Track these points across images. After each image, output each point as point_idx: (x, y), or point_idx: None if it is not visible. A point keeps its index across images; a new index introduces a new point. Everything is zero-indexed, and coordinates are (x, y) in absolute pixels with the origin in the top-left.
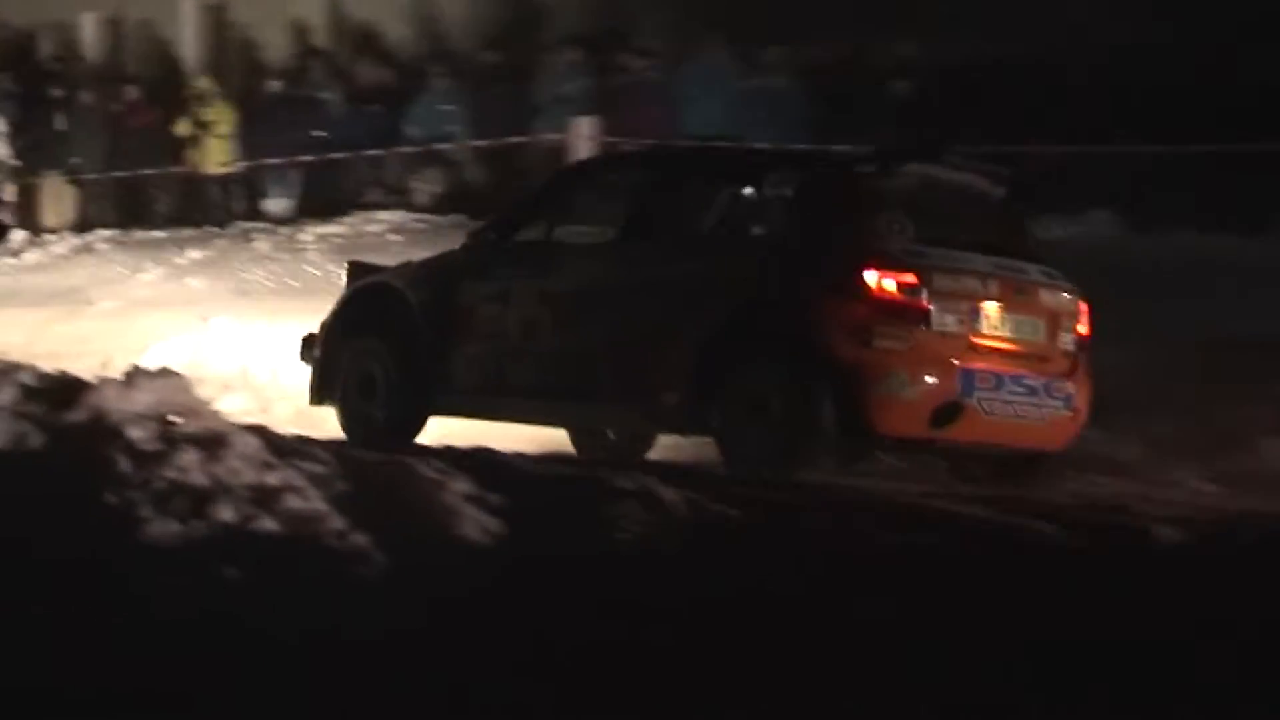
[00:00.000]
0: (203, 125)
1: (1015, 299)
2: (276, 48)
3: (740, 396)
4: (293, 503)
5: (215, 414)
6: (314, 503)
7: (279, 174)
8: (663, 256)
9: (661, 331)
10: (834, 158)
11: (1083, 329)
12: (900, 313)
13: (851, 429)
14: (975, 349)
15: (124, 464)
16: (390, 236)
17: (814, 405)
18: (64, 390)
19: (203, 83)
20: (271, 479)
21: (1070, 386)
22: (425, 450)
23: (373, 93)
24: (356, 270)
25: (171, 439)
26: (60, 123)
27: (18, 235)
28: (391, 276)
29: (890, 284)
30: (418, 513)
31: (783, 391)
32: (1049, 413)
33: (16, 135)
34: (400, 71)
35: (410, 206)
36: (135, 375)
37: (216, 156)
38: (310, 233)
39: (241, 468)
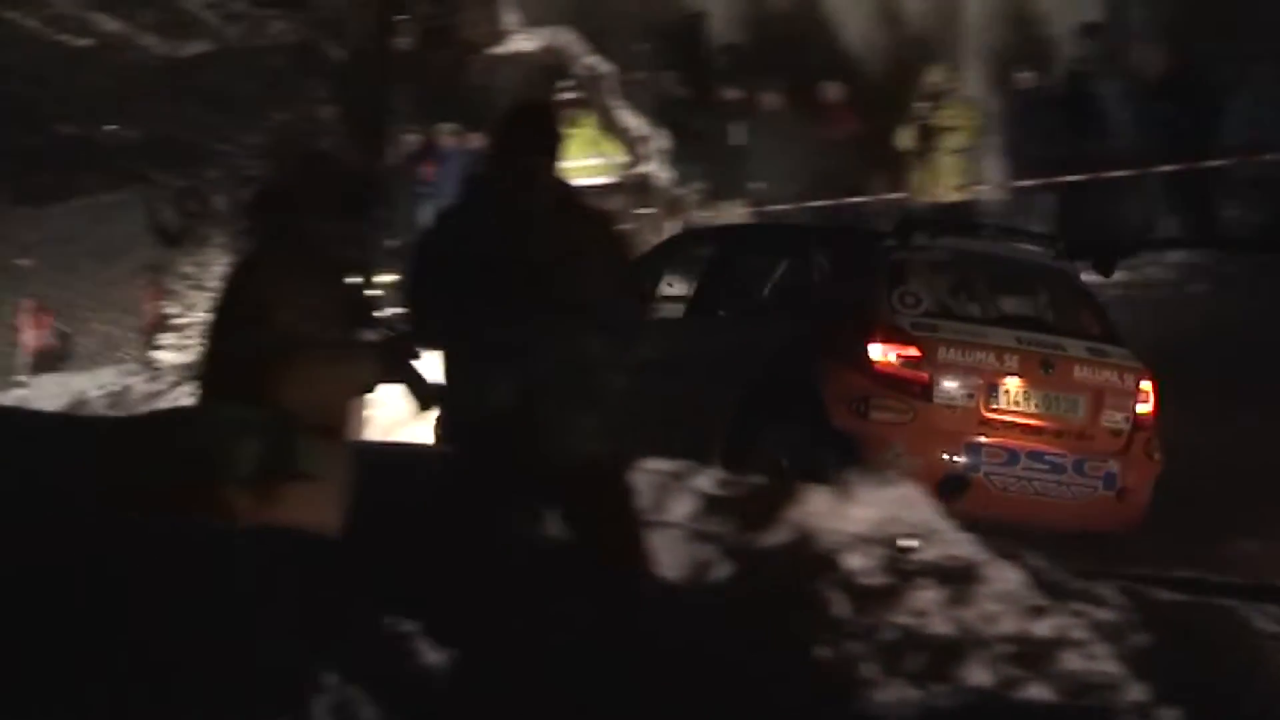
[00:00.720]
0: (934, 134)
1: (1043, 374)
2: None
3: (764, 460)
4: (1072, 661)
5: (961, 536)
6: (1101, 662)
7: (1025, 200)
8: (718, 329)
9: (712, 398)
10: (866, 232)
11: (1143, 407)
12: (900, 385)
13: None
14: (988, 423)
15: (840, 604)
16: (1191, 287)
17: (822, 473)
18: (758, 501)
19: (938, 75)
20: (1041, 627)
21: (1114, 465)
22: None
23: (1169, 85)
24: None
25: (903, 571)
26: (738, 135)
27: None
28: None
29: (892, 356)
30: (1253, 683)
31: (797, 458)
32: (1081, 492)
33: (683, 152)
34: (1198, 56)
35: (1218, 242)
36: (851, 482)
37: (950, 177)
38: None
39: (1000, 611)
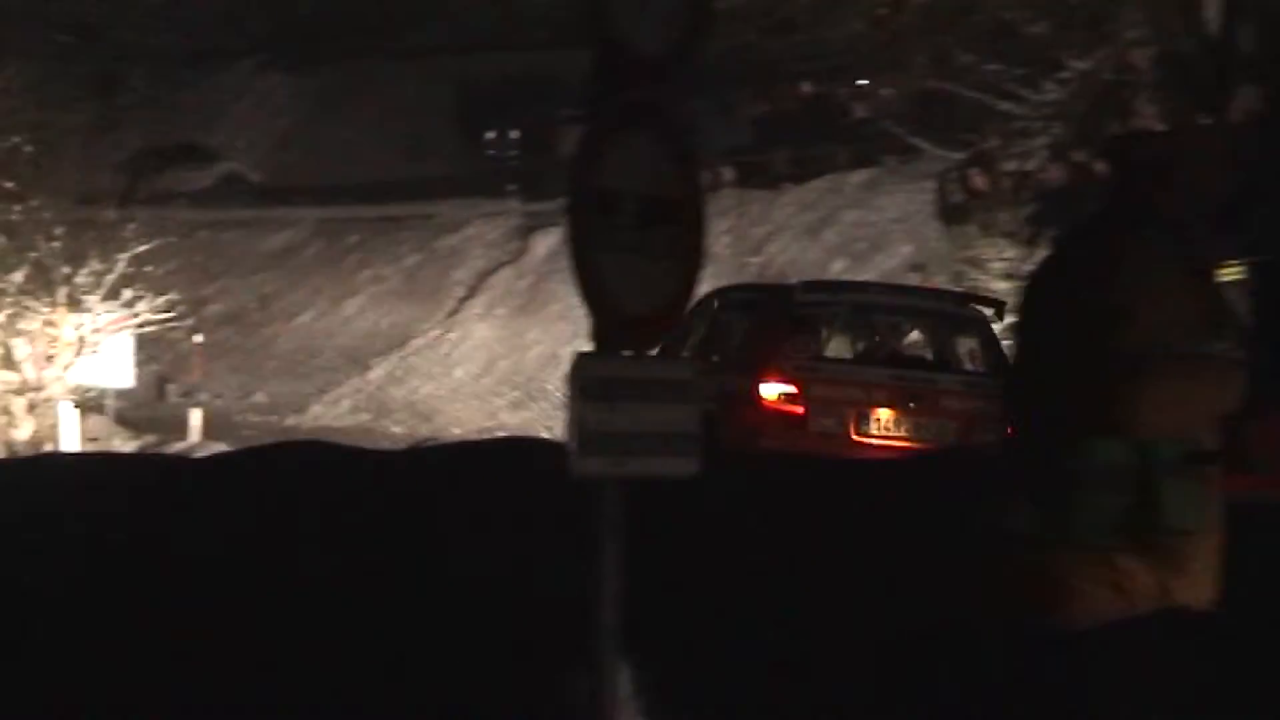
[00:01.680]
0: None
1: (910, 405)
2: None
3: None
4: None
5: None
6: None
7: None
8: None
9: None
10: (783, 289)
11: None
12: (781, 417)
13: None
14: (858, 446)
15: None
16: None
17: None
18: None
19: None
20: None
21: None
22: None
23: None
24: None
25: None
26: None
27: None
28: None
29: (774, 393)
30: None
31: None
32: None
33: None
34: None
35: None
36: None
37: None
38: None
39: None
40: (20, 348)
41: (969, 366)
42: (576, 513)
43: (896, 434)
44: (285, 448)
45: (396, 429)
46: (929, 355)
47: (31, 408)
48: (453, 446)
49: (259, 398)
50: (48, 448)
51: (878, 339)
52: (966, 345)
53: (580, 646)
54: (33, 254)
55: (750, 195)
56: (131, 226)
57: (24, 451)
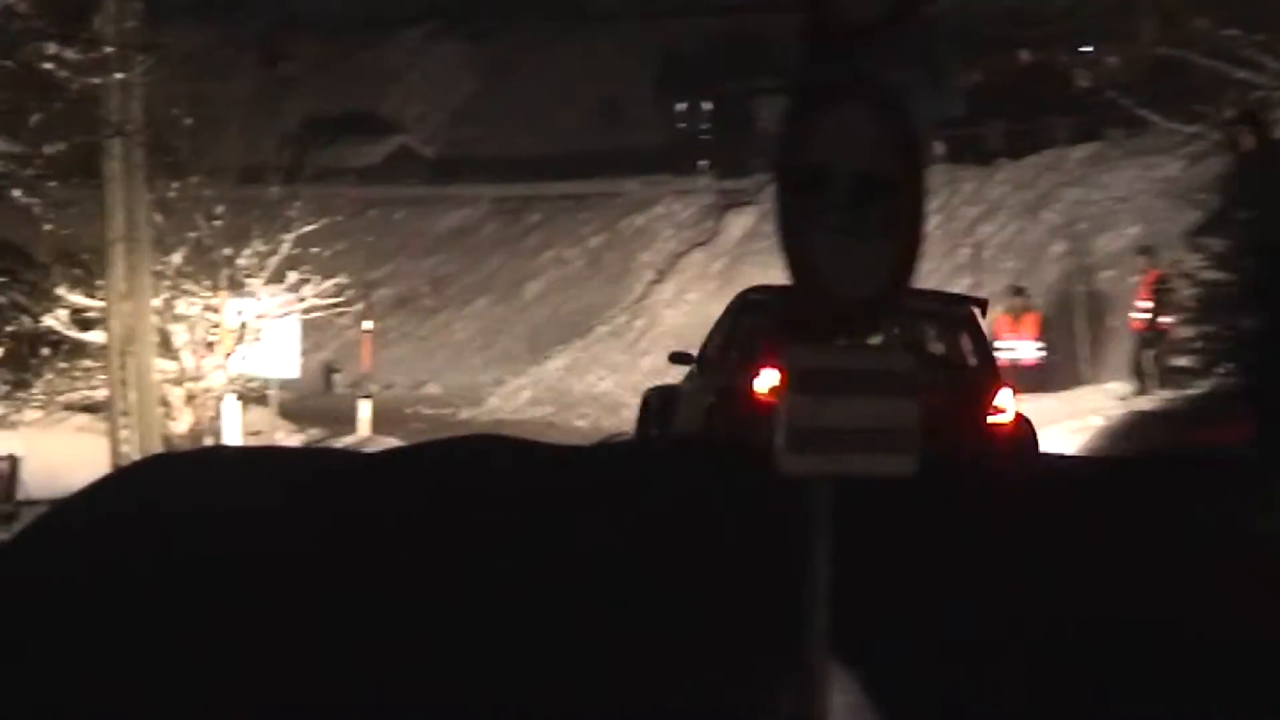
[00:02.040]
0: None
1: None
2: None
3: None
4: None
5: None
6: None
7: None
8: (716, 370)
9: (697, 419)
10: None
11: (999, 415)
12: (771, 408)
13: None
14: None
15: None
16: None
17: None
18: None
19: None
20: None
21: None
22: None
23: None
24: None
25: None
26: None
27: None
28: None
29: (765, 386)
30: None
31: None
32: None
33: None
34: None
35: None
36: None
37: None
38: None
39: None
40: (178, 334)
41: (953, 360)
42: (773, 512)
43: None
44: (461, 442)
45: (579, 423)
46: (921, 349)
47: (190, 398)
48: (640, 443)
49: (431, 389)
50: (208, 442)
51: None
52: (952, 340)
53: (786, 649)
54: (192, 234)
55: (962, 172)
56: (297, 205)
57: (182, 446)
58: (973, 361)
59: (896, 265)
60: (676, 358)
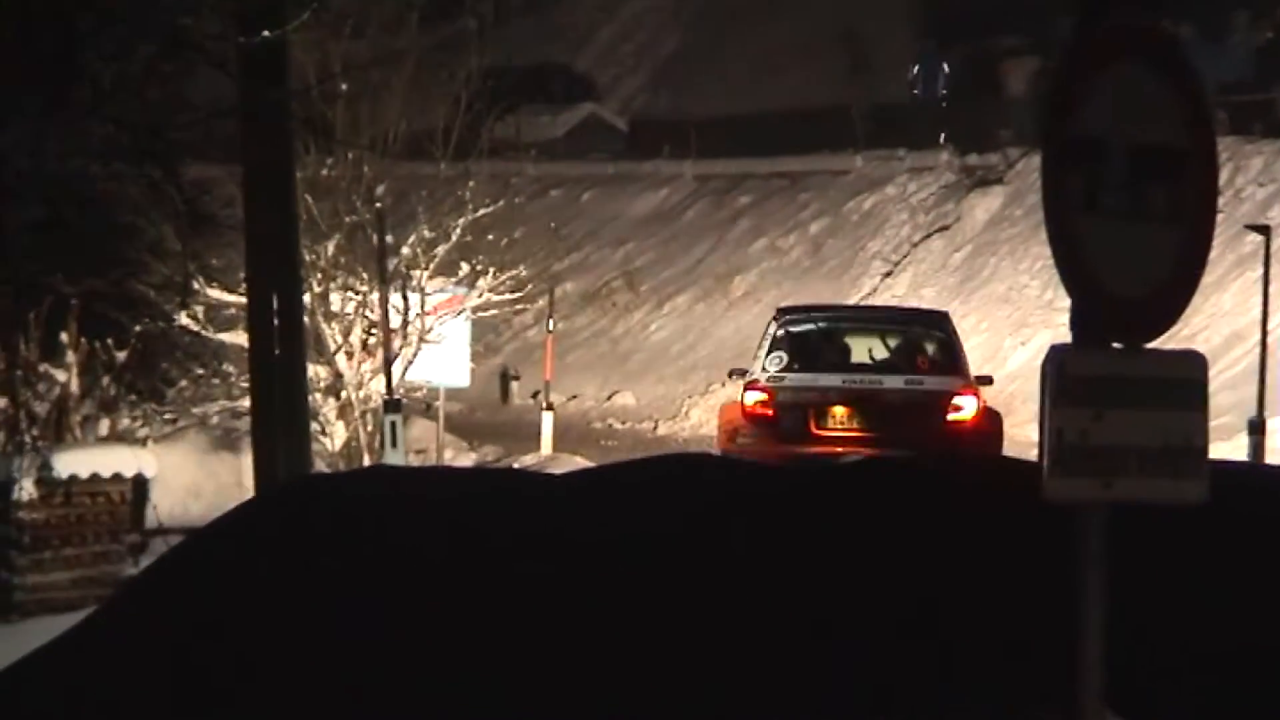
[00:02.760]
0: None
1: (863, 403)
2: None
3: None
4: None
5: None
6: None
7: None
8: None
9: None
10: (779, 311)
11: (956, 415)
12: (756, 419)
13: None
14: (818, 438)
15: None
16: None
17: None
18: None
19: None
20: None
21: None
22: None
23: None
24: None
25: None
26: None
27: None
28: None
29: (751, 400)
30: None
31: None
32: None
33: None
34: None
35: None
36: None
37: None
38: None
39: None
40: (331, 335)
41: (918, 367)
42: (1034, 542)
43: (850, 427)
44: (661, 464)
45: None
46: (889, 359)
47: (345, 410)
48: (871, 462)
49: (624, 399)
50: (366, 460)
51: (842, 351)
52: (920, 352)
53: (1050, 691)
54: (348, 218)
55: (1248, 144)
56: (469, 185)
57: (335, 464)
58: (937, 366)
59: (1183, 255)
60: (734, 373)
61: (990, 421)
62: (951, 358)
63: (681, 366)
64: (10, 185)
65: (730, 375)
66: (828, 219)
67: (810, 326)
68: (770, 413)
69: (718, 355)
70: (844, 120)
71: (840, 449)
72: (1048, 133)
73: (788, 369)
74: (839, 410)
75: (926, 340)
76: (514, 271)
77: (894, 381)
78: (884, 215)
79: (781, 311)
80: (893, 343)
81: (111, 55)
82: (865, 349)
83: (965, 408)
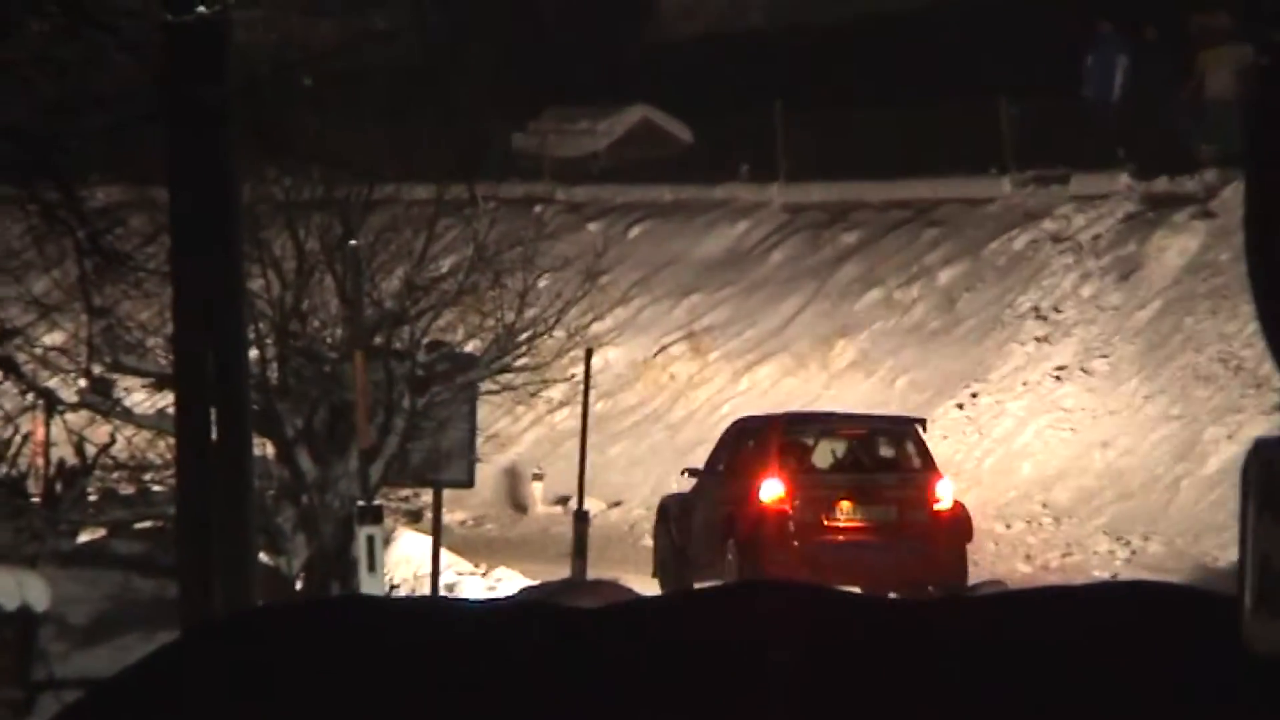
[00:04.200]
0: None
1: (865, 497)
2: None
3: (727, 558)
4: None
5: None
6: None
7: None
8: (724, 483)
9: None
10: (782, 419)
11: (939, 505)
12: (777, 513)
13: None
14: (828, 528)
15: None
16: None
17: (748, 566)
18: None
19: None
20: None
21: (921, 543)
22: None
23: None
24: None
25: None
26: None
27: None
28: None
29: (770, 496)
30: None
31: (734, 556)
32: (902, 560)
33: None
34: None
35: None
36: None
37: None
38: None
39: None
40: (288, 416)
41: (903, 466)
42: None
43: (854, 518)
44: (728, 596)
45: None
46: (880, 460)
47: (305, 519)
48: (1003, 598)
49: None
50: (334, 589)
51: (839, 453)
52: (901, 451)
53: None
54: (312, 259)
55: None
56: (478, 214)
57: (292, 594)
58: (917, 464)
59: None
60: (689, 472)
61: (964, 508)
62: (924, 454)
63: None
64: None
65: (683, 474)
66: (963, 264)
67: (801, 432)
68: (787, 507)
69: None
70: (987, 131)
71: (859, 537)
72: (1257, 147)
73: (797, 469)
74: (845, 504)
75: (901, 439)
76: (536, 332)
77: (888, 478)
78: (1040, 259)
79: (746, 420)
80: (873, 443)
81: None
82: (852, 450)
83: (944, 497)
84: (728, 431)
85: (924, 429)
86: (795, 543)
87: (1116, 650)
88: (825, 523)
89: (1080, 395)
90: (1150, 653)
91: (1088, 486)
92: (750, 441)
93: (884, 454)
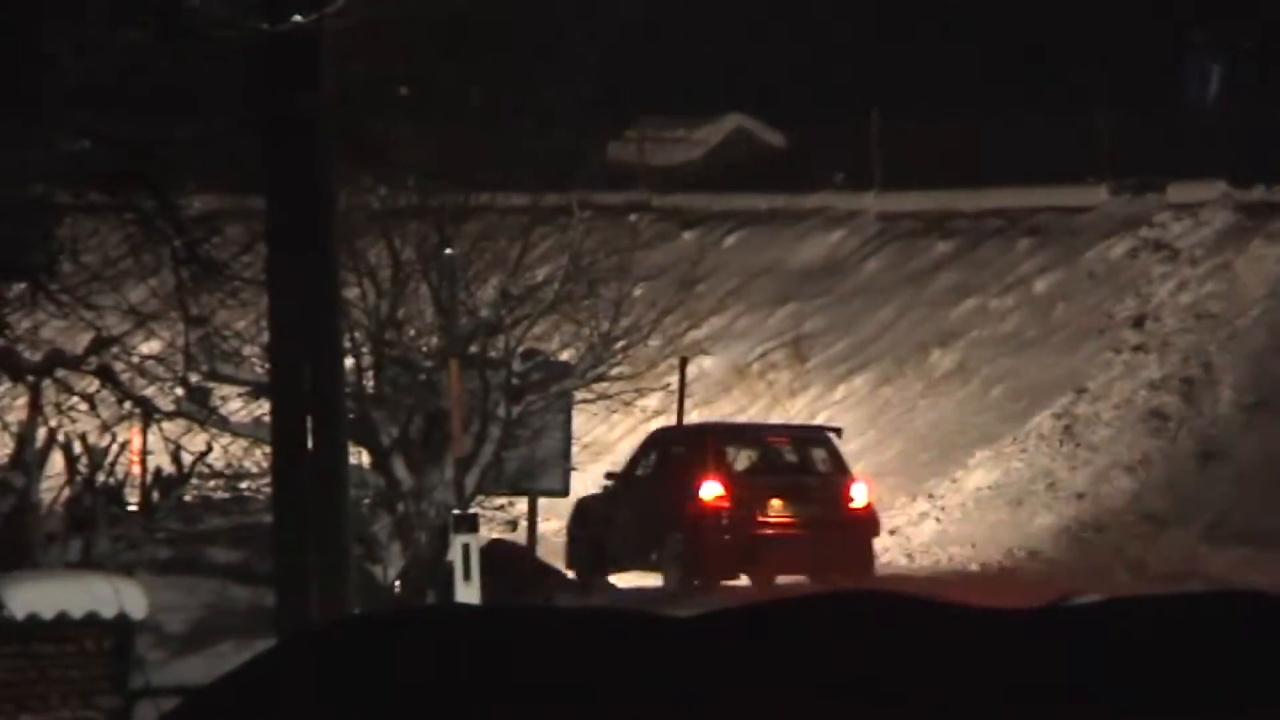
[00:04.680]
0: None
1: (792, 497)
2: None
3: (668, 549)
4: None
5: None
6: None
7: None
8: (658, 486)
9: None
10: (712, 429)
11: (854, 503)
12: (716, 509)
13: (704, 568)
14: (763, 523)
15: None
16: None
17: (690, 556)
18: None
19: None
20: None
21: (840, 536)
22: None
23: None
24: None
25: None
26: None
27: None
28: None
29: (710, 494)
30: None
31: (677, 548)
32: (822, 553)
33: None
34: None
35: None
36: None
37: None
38: None
39: None
40: (384, 426)
41: (823, 470)
42: None
43: (783, 514)
44: (831, 605)
45: (1008, 567)
46: (802, 462)
47: (400, 528)
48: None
49: (783, 513)
50: (429, 598)
51: (767, 458)
52: (820, 457)
53: None
54: (408, 268)
55: None
56: (567, 223)
57: (388, 602)
58: (835, 468)
59: None
60: (610, 475)
61: (874, 509)
62: (838, 460)
63: (861, 469)
64: None
65: (607, 477)
66: (1060, 272)
67: (728, 441)
68: (726, 504)
69: (910, 454)
70: (1082, 139)
71: (789, 531)
72: None
73: (730, 472)
74: (775, 502)
75: (818, 446)
76: (632, 341)
77: (810, 479)
78: (1138, 268)
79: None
80: (794, 449)
81: (84, 43)
82: (776, 455)
83: (859, 494)
84: (648, 441)
85: (839, 436)
86: (732, 535)
87: (1220, 657)
88: (759, 518)
89: (1178, 404)
90: (1256, 660)
91: (1188, 495)
92: (680, 449)
93: (805, 459)
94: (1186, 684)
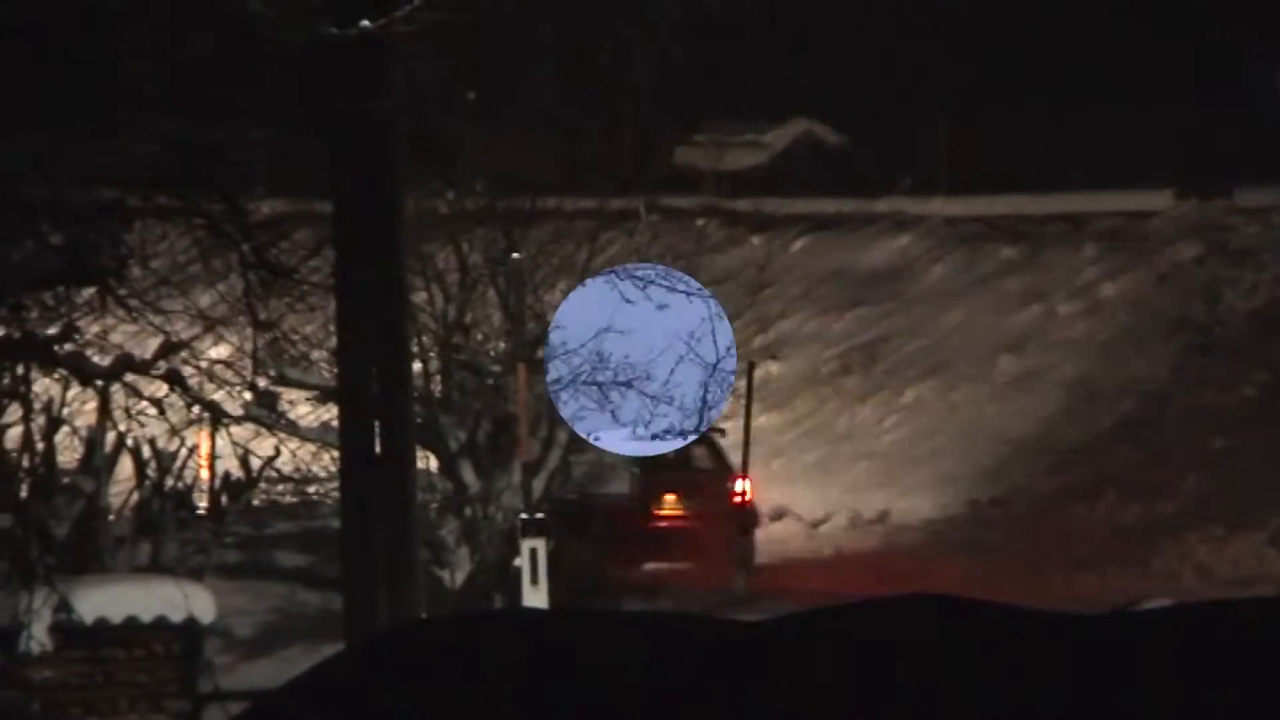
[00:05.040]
0: None
1: (684, 491)
2: None
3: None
4: None
5: None
6: None
7: None
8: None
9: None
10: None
11: (737, 498)
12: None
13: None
14: (657, 517)
15: None
16: None
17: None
18: None
19: None
20: None
21: (724, 527)
22: None
23: None
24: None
25: None
26: None
27: None
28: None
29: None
30: None
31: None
32: (710, 540)
33: None
34: None
35: None
36: None
37: None
38: None
39: None
40: (451, 430)
41: (710, 467)
42: None
43: (674, 509)
44: (895, 610)
45: (1089, 578)
46: (693, 461)
47: (468, 533)
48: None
49: (845, 520)
50: (497, 602)
51: (661, 457)
52: (705, 455)
53: None
54: (474, 272)
55: None
56: (640, 228)
57: (455, 606)
58: (720, 465)
59: None
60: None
61: (752, 503)
62: (720, 457)
63: (927, 477)
64: (15, 217)
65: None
66: (1127, 277)
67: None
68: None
69: (977, 460)
70: (1150, 142)
71: (679, 524)
72: None
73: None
74: (670, 497)
75: (703, 444)
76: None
77: (698, 476)
78: (1205, 273)
79: None
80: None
81: (154, 48)
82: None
83: (742, 489)
84: None
85: (723, 435)
86: (632, 527)
87: None
88: (655, 512)
89: (1244, 409)
90: None
91: (1256, 499)
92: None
93: (692, 457)
94: (1258, 691)
